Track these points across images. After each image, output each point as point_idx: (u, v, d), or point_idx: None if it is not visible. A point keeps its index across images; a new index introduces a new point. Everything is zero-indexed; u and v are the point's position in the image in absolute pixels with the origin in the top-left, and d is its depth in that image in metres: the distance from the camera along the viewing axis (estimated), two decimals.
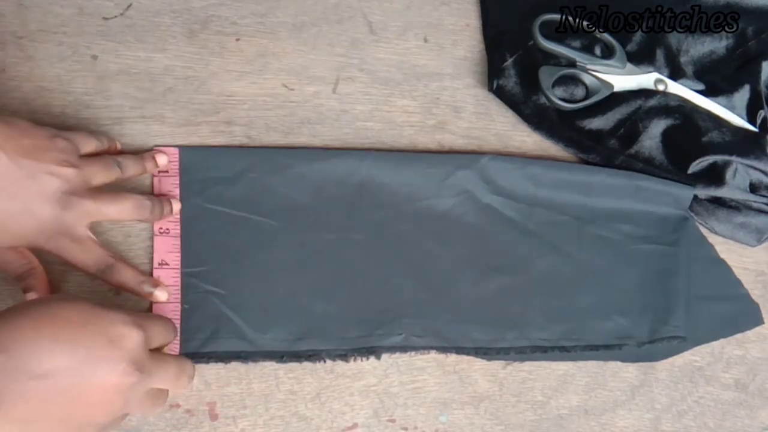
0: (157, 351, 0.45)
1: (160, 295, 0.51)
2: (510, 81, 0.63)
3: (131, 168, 0.51)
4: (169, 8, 0.59)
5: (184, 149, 0.55)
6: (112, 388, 0.41)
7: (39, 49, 0.55)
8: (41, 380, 0.39)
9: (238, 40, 0.60)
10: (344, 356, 0.53)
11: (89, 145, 0.50)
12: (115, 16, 0.58)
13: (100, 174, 0.49)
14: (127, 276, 0.50)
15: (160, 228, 0.53)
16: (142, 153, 0.53)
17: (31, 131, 0.47)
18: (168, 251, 0.52)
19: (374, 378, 0.54)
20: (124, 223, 0.53)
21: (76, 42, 0.56)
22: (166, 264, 0.52)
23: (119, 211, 0.49)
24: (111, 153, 0.52)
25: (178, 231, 0.53)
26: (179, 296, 0.52)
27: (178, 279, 0.52)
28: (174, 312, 0.51)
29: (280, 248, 0.54)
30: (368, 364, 0.54)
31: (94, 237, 0.49)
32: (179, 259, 0.52)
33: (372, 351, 0.54)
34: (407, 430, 0.54)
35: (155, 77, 0.57)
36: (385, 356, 0.54)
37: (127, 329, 0.42)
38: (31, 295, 0.47)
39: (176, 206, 0.53)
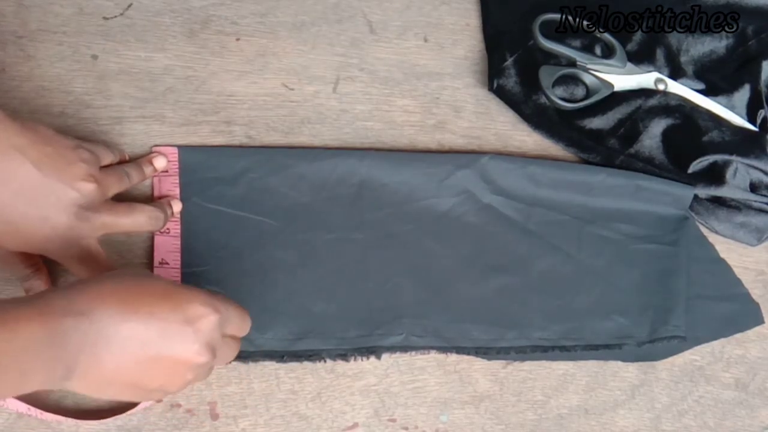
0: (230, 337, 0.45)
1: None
2: (510, 80, 0.63)
3: (136, 176, 0.52)
4: (169, 8, 0.59)
5: (184, 149, 0.55)
6: (184, 364, 0.42)
7: (39, 49, 0.55)
8: (117, 348, 0.39)
9: (238, 39, 0.60)
10: (344, 356, 0.53)
11: (107, 158, 0.50)
12: (115, 16, 0.58)
13: (115, 186, 0.49)
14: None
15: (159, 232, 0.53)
16: (141, 156, 0.54)
17: (54, 139, 0.46)
18: (168, 251, 0.52)
19: (375, 378, 0.54)
20: None
21: (76, 42, 0.56)
22: (167, 263, 0.52)
23: (134, 223, 0.49)
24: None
25: (179, 231, 0.53)
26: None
27: (179, 278, 0.52)
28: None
29: (281, 248, 0.54)
30: (369, 363, 0.54)
31: (101, 250, 0.48)
32: (179, 258, 0.52)
33: (372, 351, 0.54)
34: (408, 430, 0.54)
35: (155, 77, 0.57)
36: (385, 356, 0.54)
37: (205, 309, 0.42)
38: None
39: (177, 207, 0.53)
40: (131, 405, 0.49)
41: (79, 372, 0.39)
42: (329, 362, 0.53)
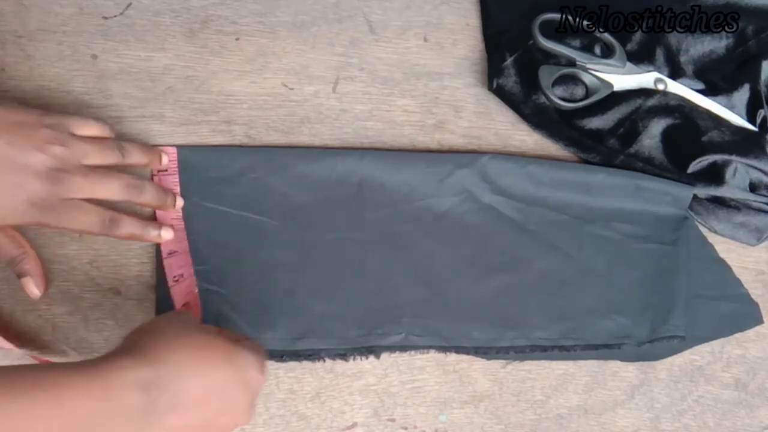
0: None
1: (166, 234, 0.51)
2: (510, 80, 0.63)
3: (134, 155, 0.51)
4: (169, 7, 0.59)
5: (183, 149, 0.55)
6: (231, 425, 0.43)
7: (39, 49, 0.55)
8: (180, 413, 0.39)
9: (237, 39, 0.60)
10: (344, 355, 0.53)
11: (86, 128, 0.50)
12: (115, 16, 0.58)
13: (94, 154, 0.48)
14: (132, 225, 0.50)
15: (171, 216, 0.53)
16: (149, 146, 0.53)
17: (19, 110, 0.47)
18: (177, 242, 0.52)
19: (374, 377, 0.54)
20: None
21: (76, 41, 0.56)
22: (176, 252, 0.52)
23: (109, 189, 0.49)
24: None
25: (182, 226, 0.53)
26: (194, 282, 0.52)
27: (190, 266, 0.52)
28: (191, 294, 0.51)
29: (280, 247, 0.54)
30: (368, 363, 0.54)
31: (86, 204, 0.48)
32: (187, 247, 0.52)
33: (372, 350, 0.54)
34: (407, 430, 0.54)
35: (155, 76, 0.57)
36: (384, 355, 0.54)
37: (258, 374, 0.43)
38: (27, 281, 0.48)
39: (179, 202, 0.53)
40: None
41: None
42: (328, 362, 0.53)
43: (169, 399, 0.39)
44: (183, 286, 0.51)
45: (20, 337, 0.50)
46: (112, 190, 0.49)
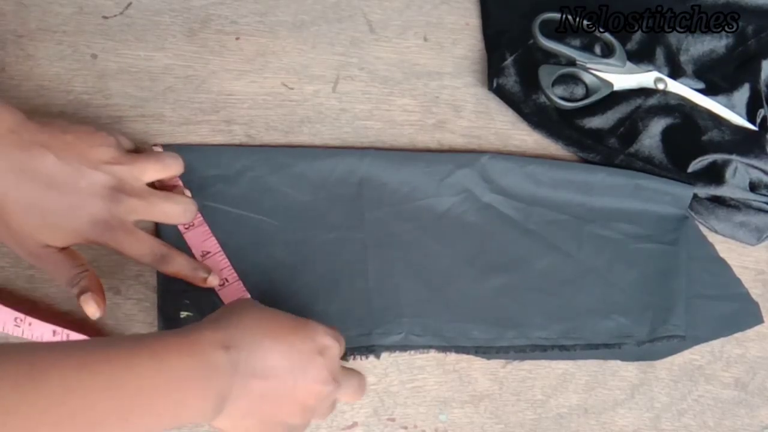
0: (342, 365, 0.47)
1: (213, 279, 0.51)
2: (510, 80, 0.63)
3: (174, 166, 0.51)
4: (169, 7, 0.59)
5: (183, 148, 0.55)
6: (314, 393, 0.44)
7: (39, 48, 0.55)
8: (262, 379, 0.41)
9: (237, 39, 0.60)
10: (344, 355, 0.53)
11: (128, 144, 0.50)
12: (115, 15, 0.58)
13: (152, 169, 0.49)
14: (181, 264, 0.50)
15: (184, 224, 0.52)
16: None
17: (72, 128, 0.47)
18: (203, 240, 0.52)
19: (374, 377, 0.54)
20: None
21: (76, 41, 0.56)
22: (208, 252, 0.52)
23: (167, 213, 0.49)
24: None
25: (202, 219, 0.53)
26: (236, 274, 0.52)
27: (227, 261, 0.52)
28: (239, 291, 0.52)
29: (280, 247, 0.54)
30: (368, 362, 0.54)
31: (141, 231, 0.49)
32: (216, 242, 0.52)
33: (371, 350, 0.54)
34: (407, 429, 0.54)
35: (155, 76, 0.57)
36: (384, 355, 0.54)
37: (330, 341, 0.45)
38: (87, 298, 0.47)
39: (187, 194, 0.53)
40: None
41: (231, 402, 0.40)
42: None
43: (249, 362, 0.41)
44: (231, 290, 0.52)
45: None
46: (172, 213, 0.49)
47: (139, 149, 0.52)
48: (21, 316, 0.47)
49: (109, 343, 0.38)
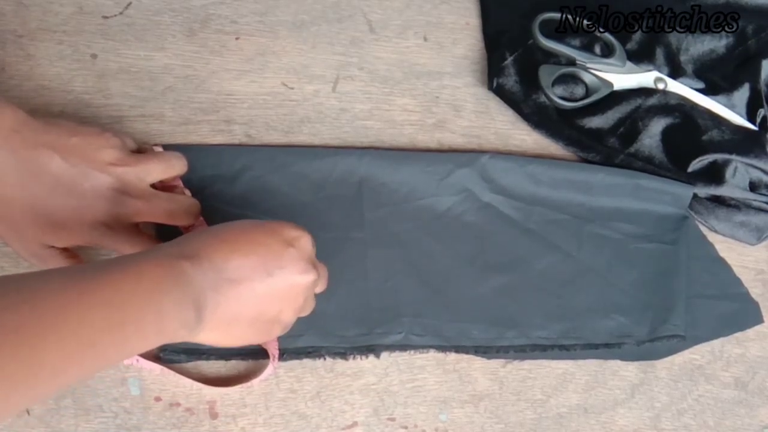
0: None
1: None
2: (510, 80, 0.63)
3: (178, 165, 0.51)
4: (169, 7, 0.59)
5: (183, 148, 0.54)
6: (296, 286, 0.44)
7: (39, 48, 0.55)
8: (237, 283, 0.41)
9: (237, 38, 0.60)
10: (344, 354, 0.53)
11: (132, 145, 0.50)
12: (115, 15, 0.58)
13: (157, 170, 0.49)
14: None
15: (184, 228, 0.52)
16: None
17: (78, 129, 0.47)
18: None
19: (374, 376, 0.54)
20: None
21: (76, 41, 0.56)
22: None
23: (171, 214, 0.49)
24: None
25: (202, 219, 0.53)
26: None
27: None
28: None
29: None
30: (368, 362, 0.54)
31: (148, 231, 0.49)
32: None
33: (371, 349, 0.54)
34: (407, 429, 0.54)
35: (155, 76, 0.57)
36: (384, 355, 0.54)
37: (298, 232, 0.44)
38: None
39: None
40: (251, 375, 0.51)
41: (209, 313, 0.40)
42: (328, 361, 0.53)
43: (213, 267, 0.40)
44: None
45: None
46: (175, 214, 0.49)
47: (142, 149, 0.52)
48: None
49: (92, 268, 0.38)
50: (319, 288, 0.48)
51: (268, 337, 0.45)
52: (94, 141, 0.47)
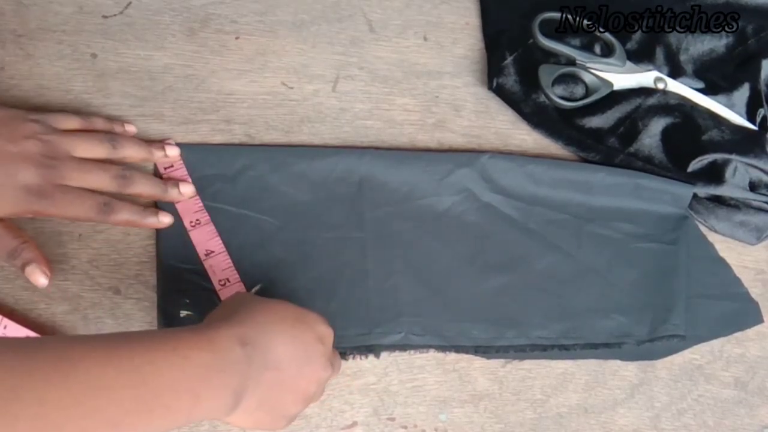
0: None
1: (164, 218, 0.51)
2: (510, 79, 0.63)
3: (128, 148, 0.51)
4: (169, 6, 0.59)
5: (183, 147, 0.55)
6: (315, 380, 0.45)
7: (38, 48, 0.55)
8: (273, 370, 0.42)
9: (237, 38, 0.60)
10: (343, 354, 0.53)
11: (68, 122, 0.50)
12: (115, 15, 0.58)
13: (83, 146, 0.49)
14: (129, 211, 0.50)
15: (191, 221, 0.53)
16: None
17: (3, 108, 0.48)
18: (208, 239, 0.52)
19: (374, 376, 0.54)
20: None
21: (76, 40, 0.56)
22: (212, 251, 0.52)
23: (100, 178, 0.49)
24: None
25: (208, 218, 0.53)
26: (238, 275, 0.52)
27: (230, 261, 0.52)
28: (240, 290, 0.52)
29: (280, 246, 0.54)
30: (368, 362, 0.54)
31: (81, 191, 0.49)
32: (221, 242, 0.52)
33: (371, 349, 0.54)
34: (407, 429, 0.54)
35: (155, 75, 0.57)
36: (384, 354, 0.54)
37: (326, 328, 0.46)
38: (33, 269, 0.48)
39: (187, 189, 0.53)
40: None
41: (247, 396, 0.40)
42: None
43: (262, 356, 0.41)
44: (231, 291, 0.52)
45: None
46: (102, 178, 0.49)
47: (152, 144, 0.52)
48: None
49: (131, 338, 0.39)
50: (330, 379, 0.49)
51: (277, 426, 0.45)
52: (18, 116, 0.48)
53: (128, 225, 0.51)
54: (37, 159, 0.46)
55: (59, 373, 0.33)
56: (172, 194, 0.52)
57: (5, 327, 0.48)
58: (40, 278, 0.48)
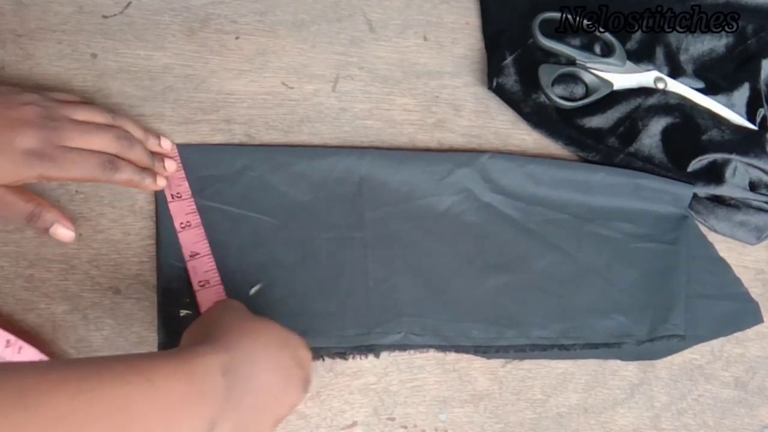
0: None
1: (161, 182, 0.52)
2: (510, 79, 0.63)
3: (127, 122, 0.51)
4: (169, 6, 0.59)
5: (183, 147, 0.55)
6: (289, 405, 0.45)
7: (38, 48, 0.55)
8: (253, 395, 0.41)
9: (237, 38, 0.60)
10: (343, 354, 0.53)
11: (68, 98, 0.51)
12: (115, 15, 0.58)
13: (81, 112, 0.49)
14: (131, 169, 0.50)
15: (181, 223, 0.53)
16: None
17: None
18: (195, 242, 0.52)
19: (374, 376, 0.54)
20: (123, 221, 0.53)
21: (76, 40, 0.56)
22: (197, 254, 0.52)
23: (101, 138, 0.49)
24: None
25: (199, 221, 0.53)
26: (219, 278, 0.52)
27: (214, 264, 0.52)
28: (219, 295, 0.51)
29: (280, 246, 0.54)
30: (367, 362, 0.54)
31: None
32: (208, 246, 0.52)
33: (371, 349, 0.54)
34: (407, 429, 0.54)
35: (155, 75, 0.57)
36: (384, 354, 0.54)
37: (306, 352, 0.46)
38: (56, 227, 0.48)
39: (170, 164, 0.53)
40: None
41: (221, 423, 0.40)
42: (328, 361, 0.53)
43: (243, 381, 0.41)
44: (210, 293, 0.51)
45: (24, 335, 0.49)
46: (104, 139, 0.49)
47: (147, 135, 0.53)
48: (12, 338, 0.47)
49: (103, 367, 0.37)
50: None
51: None
52: (16, 89, 0.48)
53: (128, 185, 0.51)
54: (37, 122, 0.46)
55: (23, 407, 0.32)
56: (157, 167, 0.52)
57: (20, 349, 0.47)
58: (66, 233, 0.49)
